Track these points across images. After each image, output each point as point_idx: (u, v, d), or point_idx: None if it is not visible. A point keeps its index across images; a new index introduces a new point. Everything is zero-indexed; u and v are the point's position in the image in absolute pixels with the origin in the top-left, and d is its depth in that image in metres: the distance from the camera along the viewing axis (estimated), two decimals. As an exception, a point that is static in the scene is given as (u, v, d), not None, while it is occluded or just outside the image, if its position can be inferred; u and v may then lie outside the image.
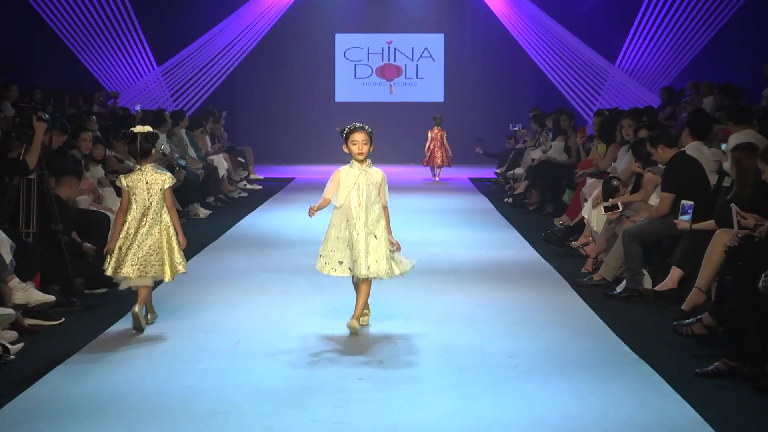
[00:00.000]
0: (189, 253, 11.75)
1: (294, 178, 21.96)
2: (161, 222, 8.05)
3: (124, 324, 8.23)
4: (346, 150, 8.05)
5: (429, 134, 21.87)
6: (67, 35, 23.52)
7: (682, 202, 8.80)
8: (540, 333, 8.00)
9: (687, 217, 8.69)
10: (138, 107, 19.30)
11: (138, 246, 7.97)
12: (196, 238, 13.07)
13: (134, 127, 8.27)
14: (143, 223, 8.00)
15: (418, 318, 8.48)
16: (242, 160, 20.90)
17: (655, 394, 6.39)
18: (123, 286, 8.14)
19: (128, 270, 7.96)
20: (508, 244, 12.92)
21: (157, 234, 8.02)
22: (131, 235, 8.00)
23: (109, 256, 8.03)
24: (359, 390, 6.45)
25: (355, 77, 27.47)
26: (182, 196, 15.38)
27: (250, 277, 10.46)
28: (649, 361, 7.07)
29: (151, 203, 8.04)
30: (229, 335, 7.88)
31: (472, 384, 6.59)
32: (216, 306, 9.02)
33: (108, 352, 7.37)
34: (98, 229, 10.10)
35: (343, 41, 27.37)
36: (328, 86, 27.33)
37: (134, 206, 8.03)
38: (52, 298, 8.38)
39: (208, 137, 19.16)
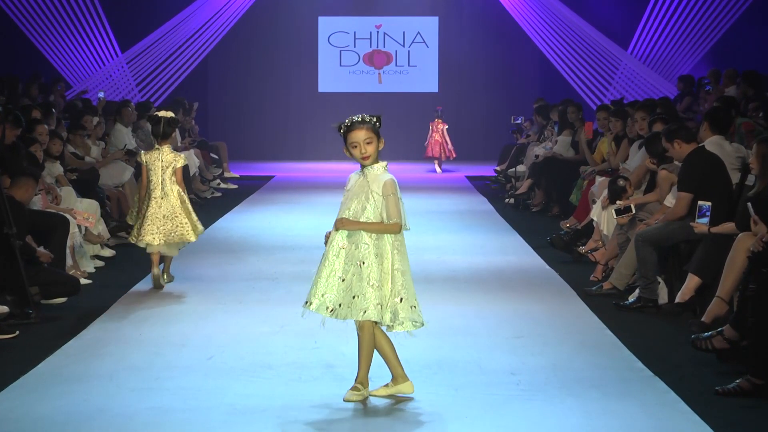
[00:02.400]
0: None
1: (273, 177, 21.94)
2: (171, 194, 10.14)
3: (84, 338, 8.24)
4: (347, 154, 6.72)
5: (430, 126, 23.54)
6: (21, 18, 23.48)
7: (699, 203, 8.82)
8: (544, 348, 8.02)
9: (705, 219, 8.72)
10: (101, 94, 19.28)
11: (154, 217, 10.08)
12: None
13: (157, 112, 10.54)
14: (155, 196, 10.12)
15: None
16: (215, 157, 20.90)
17: (672, 414, 6.41)
18: (150, 250, 10.16)
19: (150, 238, 10.07)
20: (510, 250, 12.95)
21: (167, 205, 10.11)
22: (144, 207, 10.16)
23: (131, 225, 10.34)
24: (345, 411, 6.46)
25: (341, 65, 27.47)
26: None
27: (224, 286, 10.46)
28: (664, 379, 7.10)
29: (164, 179, 10.16)
30: (202, 350, 7.89)
31: (469, 404, 6.60)
32: (187, 318, 9.02)
33: (67, 369, 7.36)
34: (56, 232, 10.08)
35: (327, 25, 27.37)
36: (310, 75, 27.32)
37: (150, 182, 10.19)
38: (5, 309, 8.36)
39: (177, 131, 19.14)
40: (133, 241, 10.30)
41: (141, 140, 16.90)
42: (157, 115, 10.43)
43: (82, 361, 7.57)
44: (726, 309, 8.08)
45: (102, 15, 24.06)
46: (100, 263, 11.57)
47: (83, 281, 10.25)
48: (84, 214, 11.05)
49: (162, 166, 10.21)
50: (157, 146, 10.37)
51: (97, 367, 7.43)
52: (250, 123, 27.05)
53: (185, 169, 17.18)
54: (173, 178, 10.22)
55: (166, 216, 10.12)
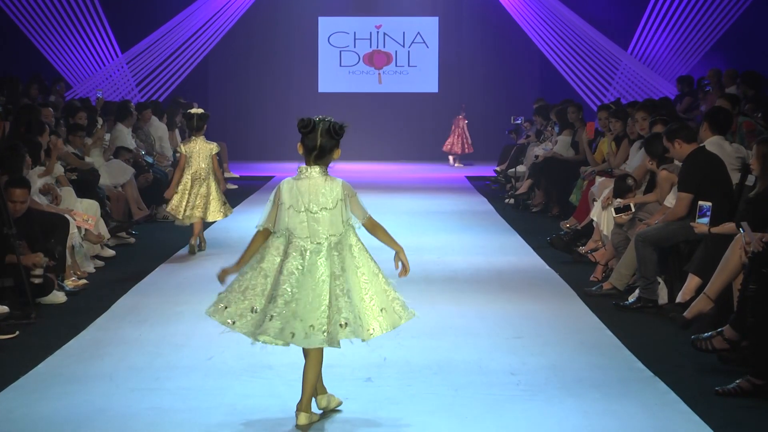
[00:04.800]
0: (157, 259, 11.82)
1: (273, 177, 21.95)
2: (209, 179, 12.26)
3: (84, 338, 8.24)
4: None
5: (453, 122, 25.24)
6: (22, 19, 23.47)
7: (700, 203, 8.81)
8: (544, 348, 8.02)
9: (705, 219, 8.71)
10: (99, 93, 19.27)
11: (195, 195, 12.15)
12: (165, 243, 13.08)
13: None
14: (195, 179, 12.21)
15: (409, 331, 8.46)
16: (215, 157, 20.86)
17: (672, 415, 6.40)
18: (185, 222, 12.32)
19: (189, 212, 12.13)
20: (510, 250, 12.94)
21: (206, 188, 12.21)
22: (188, 188, 12.20)
23: (170, 201, 12.28)
24: (345, 410, 6.46)
25: (341, 65, 27.48)
26: (149, 196, 15.36)
27: (224, 286, 10.43)
28: (664, 379, 7.09)
29: (201, 165, 12.24)
30: (202, 350, 7.88)
31: (469, 404, 6.60)
32: (186, 318, 9.01)
33: (66, 369, 7.36)
34: (56, 232, 10.05)
35: (327, 25, 27.38)
36: (310, 75, 27.33)
37: (189, 167, 12.25)
38: (5, 309, 8.36)
39: (177, 132, 19.14)
40: (179, 217, 12.22)
41: (141, 140, 16.88)
42: (190, 112, 12.56)
43: (82, 362, 7.56)
44: (710, 307, 8.07)
45: (102, 15, 24.05)
46: (100, 263, 11.56)
47: (81, 282, 10.27)
48: (84, 215, 11.03)
49: (198, 154, 12.25)
50: (193, 137, 12.44)
51: (97, 367, 7.42)
52: (250, 123, 27.06)
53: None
54: (210, 164, 12.27)
55: (204, 194, 12.19)
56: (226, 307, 6.24)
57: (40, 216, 10.05)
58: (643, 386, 6.99)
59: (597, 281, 10.61)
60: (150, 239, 13.56)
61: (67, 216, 10.46)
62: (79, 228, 10.88)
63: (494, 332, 8.53)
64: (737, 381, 6.76)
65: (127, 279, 10.73)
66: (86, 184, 12.80)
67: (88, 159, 13.99)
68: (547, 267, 11.61)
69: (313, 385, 6.21)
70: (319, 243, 6.12)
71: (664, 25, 23.82)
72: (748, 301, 7.01)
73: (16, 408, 6.44)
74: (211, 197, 12.27)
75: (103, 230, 11.82)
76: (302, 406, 6.16)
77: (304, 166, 6.23)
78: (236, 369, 7.35)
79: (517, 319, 8.99)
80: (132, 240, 13.26)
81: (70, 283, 10.10)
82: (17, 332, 8.28)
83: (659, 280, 9.51)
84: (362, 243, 6.24)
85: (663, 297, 9.44)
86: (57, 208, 10.86)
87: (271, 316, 6.05)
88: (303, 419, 6.14)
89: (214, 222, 13.14)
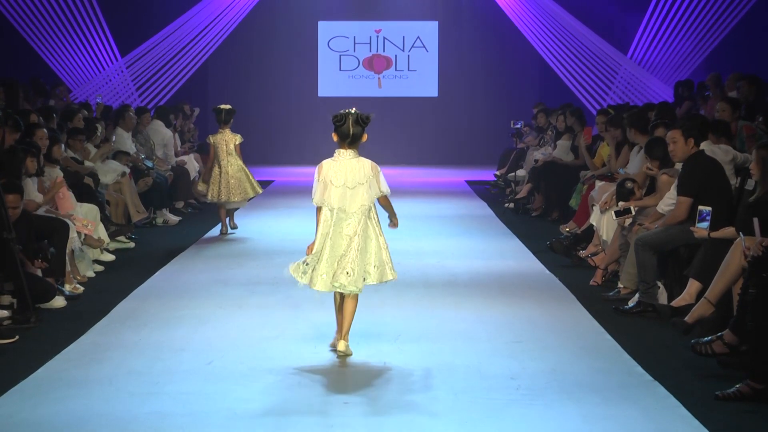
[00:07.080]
0: (157, 263, 11.81)
1: (273, 181, 21.96)
2: (234, 163, 14.17)
3: (84, 343, 8.24)
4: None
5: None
6: (21, 22, 23.47)
7: (700, 208, 8.81)
8: (544, 352, 8.02)
9: (705, 224, 8.71)
10: (99, 99, 19.26)
11: (223, 180, 14.06)
12: (165, 248, 13.08)
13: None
14: (222, 165, 14.13)
15: (409, 335, 8.49)
16: (215, 161, 20.85)
17: (672, 419, 6.41)
18: (224, 208, 14.29)
19: (225, 197, 14.05)
20: (509, 254, 12.95)
21: (235, 172, 14.16)
22: (219, 175, 14.10)
23: (209, 188, 14.25)
24: (345, 415, 6.47)
25: (340, 69, 27.49)
26: (149, 200, 15.36)
27: (224, 291, 10.46)
28: (664, 383, 7.10)
29: (228, 154, 14.15)
30: (201, 355, 7.89)
31: (469, 408, 6.60)
32: (186, 322, 9.02)
33: (66, 374, 7.36)
34: (55, 236, 10.05)
35: (326, 30, 27.39)
36: (310, 79, 27.34)
37: (217, 156, 14.15)
38: (5, 313, 8.35)
39: (177, 136, 19.14)
40: (208, 199, 14.30)
41: (141, 144, 16.88)
42: (219, 108, 14.37)
43: (82, 366, 7.57)
44: (711, 311, 8.07)
45: (102, 19, 24.05)
46: (100, 267, 11.56)
47: (79, 289, 10.26)
48: (83, 221, 11.02)
49: (225, 144, 14.12)
50: (220, 130, 14.26)
51: (97, 371, 7.43)
52: (250, 127, 26.92)
53: (185, 174, 17.46)
54: (235, 152, 14.14)
55: (230, 180, 14.08)
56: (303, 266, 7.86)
57: (39, 221, 10.06)
58: (642, 390, 7.00)
59: (597, 285, 10.64)
60: (149, 244, 13.57)
61: (67, 221, 10.46)
62: (78, 232, 10.88)
63: (494, 336, 8.53)
64: (737, 385, 6.77)
65: (127, 283, 10.74)
66: (86, 189, 12.79)
67: (87, 163, 13.99)
68: (547, 271, 11.61)
69: (352, 316, 7.74)
70: (354, 211, 7.67)
71: (663, 29, 23.82)
72: (748, 306, 7.02)
73: (16, 412, 6.45)
74: (241, 181, 14.12)
75: (103, 234, 11.82)
76: (343, 335, 7.75)
77: (340, 149, 7.79)
78: (236, 373, 7.36)
79: (517, 324, 8.99)
80: (132, 244, 13.27)
81: (69, 288, 10.10)
82: (17, 337, 8.29)
83: (659, 284, 9.51)
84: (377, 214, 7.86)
85: (663, 301, 9.43)
86: (57, 213, 10.85)
87: (321, 273, 7.67)
88: (343, 346, 7.71)
89: (247, 201, 14.81)
